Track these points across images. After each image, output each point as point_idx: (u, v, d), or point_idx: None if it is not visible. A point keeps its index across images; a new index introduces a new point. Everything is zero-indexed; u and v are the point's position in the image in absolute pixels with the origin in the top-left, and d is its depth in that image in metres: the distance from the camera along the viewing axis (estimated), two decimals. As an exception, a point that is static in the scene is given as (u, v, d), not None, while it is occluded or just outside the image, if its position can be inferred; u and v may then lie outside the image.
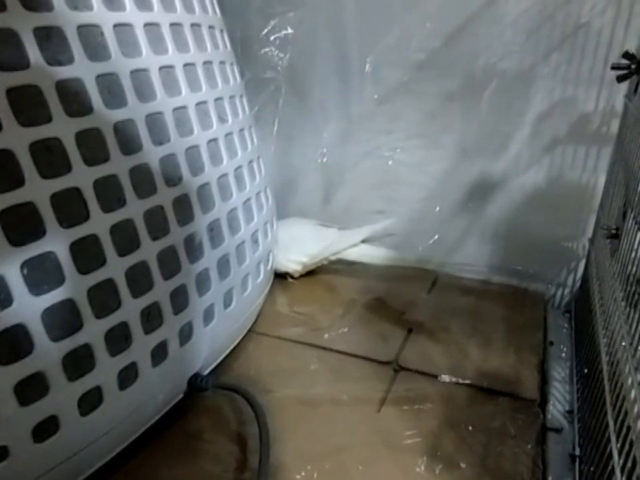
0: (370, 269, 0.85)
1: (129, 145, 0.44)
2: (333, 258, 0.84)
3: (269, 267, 0.70)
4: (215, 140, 0.56)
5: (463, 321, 0.75)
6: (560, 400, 0.60)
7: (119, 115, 0.43)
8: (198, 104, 0.53)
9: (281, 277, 0.84)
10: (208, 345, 0.58)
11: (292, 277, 0.85)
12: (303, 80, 0.85)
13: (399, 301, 0.80)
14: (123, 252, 0.44)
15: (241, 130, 0.62)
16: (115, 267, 0.43)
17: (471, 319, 0.75)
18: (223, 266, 0.57)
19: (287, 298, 0.82)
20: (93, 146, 0.41)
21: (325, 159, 0.88)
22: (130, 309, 0.45)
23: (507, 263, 0.84)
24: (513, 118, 0.76)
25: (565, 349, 0.70)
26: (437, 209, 0.84)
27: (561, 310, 0.80)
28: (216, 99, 0.57)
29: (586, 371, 0.60)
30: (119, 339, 0.44)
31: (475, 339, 0.71)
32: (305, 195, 0.90)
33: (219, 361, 0.63)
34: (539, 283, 0.82)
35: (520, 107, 0.74)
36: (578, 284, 0.80)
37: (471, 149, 0.80)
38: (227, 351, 0.65)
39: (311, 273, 0.85)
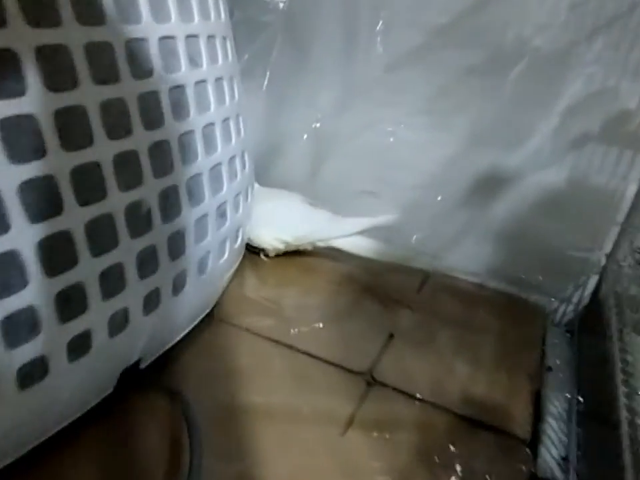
0: (356, 257, 0.74)
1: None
2: (319, 244, 0.74)
3: (236, 245, 0.60)
4: (180, 87, 0.45)
5: (452, 331, 0.66)
6: (554, 442, 0.51)
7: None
8: (162, 38, 0.42)
9: (253, 252, 0.74)
10: (148, 335, 0.48)
11: (266, 255, 0.75)
12: (303, 30, 0.73)
13: (384, 297, 0.70)
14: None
15: (218, 79, 0.51)
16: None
17: (461, 328, 0.66)
18: (176, 243, 0.47)
19: (256, 279, 0.72)
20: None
21: (317, 125, 0.77)
22: (44, 291, 0.35)
23: (507, 269, 0.74)
24: (539, 105, 0.65)
25: (564, 378, 0.61)
26: (438, 198, 0.73)
27: (562, 328, 0.71)
28: (188, 36, 0.45)
29: (591, 410, 0.51)
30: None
31: (463, 355, 0.61)
32: (291, 165, 0.79)
33: (162, 351, 0.53)
34: (541, 295, 0.73)
35: (550, 93, 0.64)
36: (585, 301, 0.71)
37: (485, 135, 0.69)
38: (176, 340, 0.55)
39: (288, 253, 0.75)
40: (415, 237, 0.75)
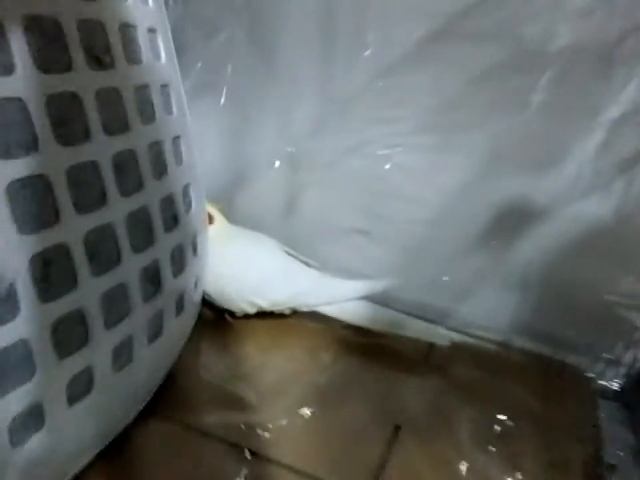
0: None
1: None
2: (301, 309, 0.58)
3: (171, 324, 0.43)
4: (73, 95, 0.29)
5: (473, 411, 0.50)
6: None
7: None
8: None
9: (214, 310, 0.58)
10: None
11: (232, 315, 0.59)
12: (268, 31, 0.58)
13: (385, 371, 0.54)
14: None
15: (143, 87, 0.35)
16: None
17: (484, 410, 0.50)
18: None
19: (216, 349, 0.56)
20: None
21: (292, 150, 0.61)
22: None
23: (538, 324, 0.59)
24: (579, 117, 0.50)
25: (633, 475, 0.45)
26: (448, 237, 0.58)
27: (615, 401, 0.56)
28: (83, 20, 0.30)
29: None
30: None
31: (490, 452, 0.45)
32: (261, 198, 0.63)
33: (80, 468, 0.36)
34: (582, 357, 0.57)
35: (592, 102, 0.49)
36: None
37: (507, 157, 0.54)
38: (93, 455, 0.39)
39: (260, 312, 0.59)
40: (417, 288, 0.59)
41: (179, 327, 0.42)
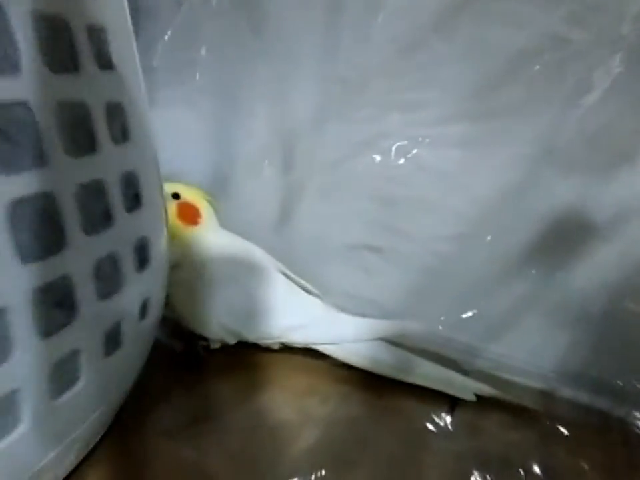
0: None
1: None
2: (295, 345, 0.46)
3: (95, 365, 0.31)
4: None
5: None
6: None
7: None
8: None
9: (186, 338, 0.46)
10: None
11: (206, 348, 0.47)
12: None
13: (399, 432, 0.41)
14: None
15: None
16: None
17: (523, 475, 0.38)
18: None
19: (176, 398, 0.43)
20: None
21: (287, 146, 0.49)
22: None
23: (593, 369, 0.46)
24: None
25: None
26: (478, 257, 0.46)
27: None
28: None
29: None
30: None
31: None
32: (249, 206, 0.51)
33: None
34: (650, 414, 0.44)
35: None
36: None
37: (560, 153, 0.42)
38: None
39: (240, 342, 0.47)
40: (441, 321, 0.46)
41: (111, 369, 0.29)
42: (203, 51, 0.48)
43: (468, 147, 0.44)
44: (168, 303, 0.40)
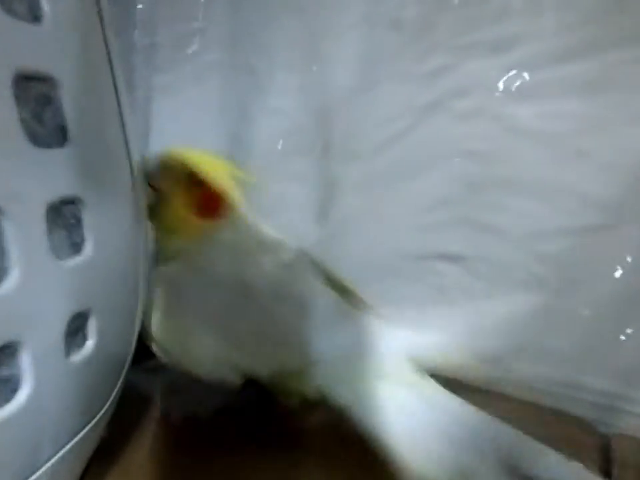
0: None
1: None
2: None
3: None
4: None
5: None
6: None
7: None
8: None
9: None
10: None
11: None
12: None
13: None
14: None
15: None
16: None
17: None
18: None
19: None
20: None
21: (324, 122, 0.36)
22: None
23: None
24: None
25: None
26: (615, 260, 0.30)
27: None
28: None
29: None
30: None
31: None
32: (275, 205, 0.37)
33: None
34: None
35: None
36: None
37: None
38: None
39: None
40: (557, 351, 0.31)
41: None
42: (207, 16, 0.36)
43: (587, 96, 0.30)
44: (148, 333, 0.26)
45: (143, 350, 0.39)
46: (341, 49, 0.35)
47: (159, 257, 0.28)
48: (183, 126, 0.41)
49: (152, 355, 0.39)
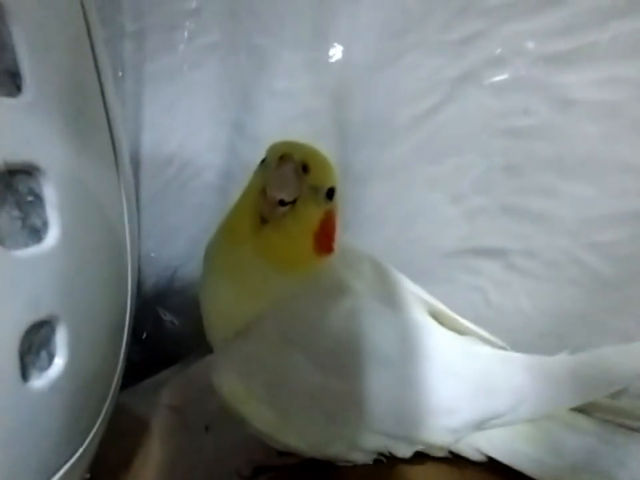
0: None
1: None
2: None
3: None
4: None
5: None
6: None
7: None
8: None
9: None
10: None
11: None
12: None
13: None
14: None
15: None
16: None
17: None
18: None
19: None
20: None
21: (339, 103, 0.32)
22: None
23: None
24: None
25: None
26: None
27: None
28: None
29: None
30: None
31: None
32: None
33: None
34: None
35: None
36: None
37: None
38: None
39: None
40: None
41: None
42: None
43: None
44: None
45: (136, 366, 0.34)
46: (356, 19, 0.31)
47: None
48: (178, 117, 0.36)
49: (148, 372, 0.35)
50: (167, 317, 0.39)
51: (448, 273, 0.31)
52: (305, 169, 0.21)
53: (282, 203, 0.20)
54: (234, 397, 0.21)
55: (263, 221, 0.21)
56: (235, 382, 0.21)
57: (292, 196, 0.20)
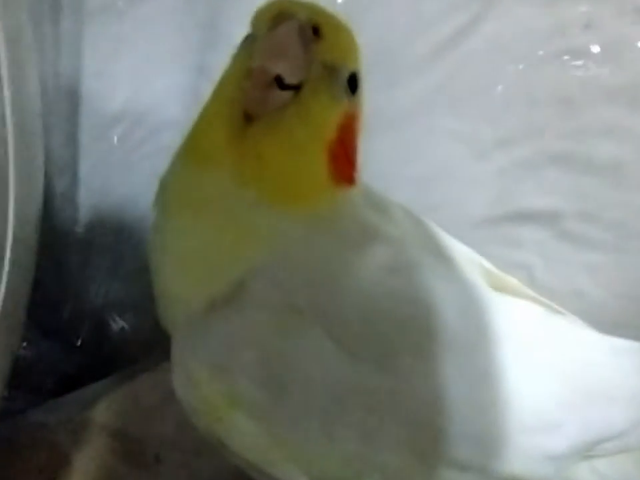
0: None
1: None
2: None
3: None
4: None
5: None
6: None
7: None
8: None
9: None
10: None
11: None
12: None
13: None
14: None
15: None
16: None
17: None
18: None
19: None
20: None
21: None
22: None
23: None
24: None
25: None
26: None
27: None
28: None
29: None
30: None
31: None
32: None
33: None
34: None
35: None
36: None
37: None
38: None
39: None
40: None
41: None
42: None
43: None
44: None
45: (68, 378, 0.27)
46: None
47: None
48: (127, 62, 0.29)
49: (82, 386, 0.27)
50: (112, 317, 0.31)
51: (480, 247, 0.24)
52: (315, 32, 0.13)
53: (280, 83, 0.13)
54: (207, 406, 0.13)
55: (248, 119, 0.13)
56: (209, 381, 0.13)
57: (296, 72, 0.13)
